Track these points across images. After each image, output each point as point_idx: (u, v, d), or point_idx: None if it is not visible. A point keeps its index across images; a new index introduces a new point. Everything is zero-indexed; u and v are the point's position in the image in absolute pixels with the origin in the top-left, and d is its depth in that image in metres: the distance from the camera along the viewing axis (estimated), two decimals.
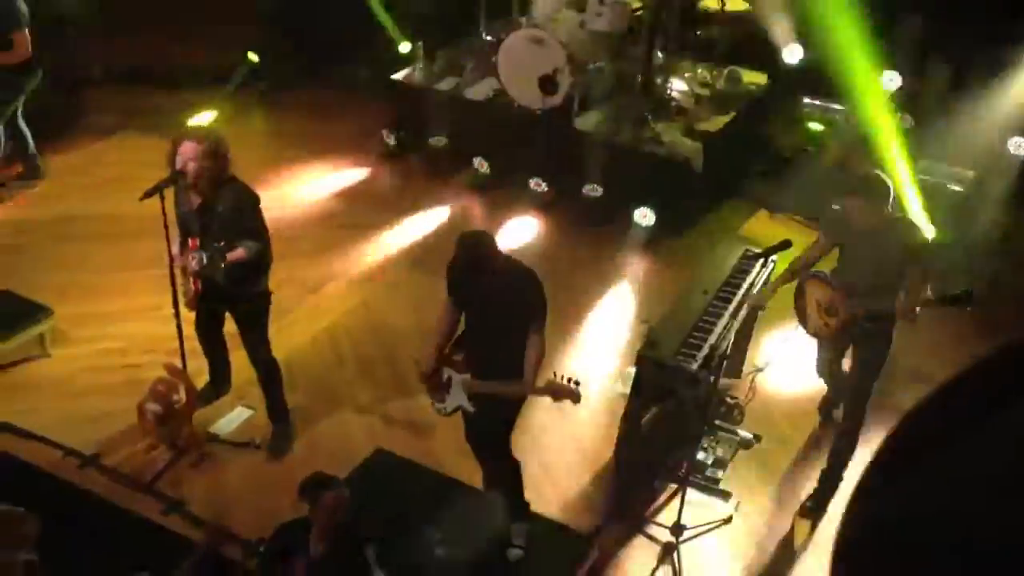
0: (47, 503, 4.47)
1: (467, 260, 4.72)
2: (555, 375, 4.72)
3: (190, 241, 5.32)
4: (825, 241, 5.48)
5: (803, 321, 5.50)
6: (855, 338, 5.39)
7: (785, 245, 5.58)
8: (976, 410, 1.06)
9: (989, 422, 1.05)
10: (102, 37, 9.59)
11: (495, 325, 4.80)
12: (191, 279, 5.48)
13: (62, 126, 8.65)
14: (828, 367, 5.82)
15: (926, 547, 1.05)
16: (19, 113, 7.87)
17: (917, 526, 1.06)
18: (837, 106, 8.69)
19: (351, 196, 8.36)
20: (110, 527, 5.35)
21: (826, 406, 6.14)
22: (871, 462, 1.22)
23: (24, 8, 7.42)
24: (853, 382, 5.46)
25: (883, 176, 5.16)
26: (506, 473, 5.17)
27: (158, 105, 9.21)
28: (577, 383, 4.68)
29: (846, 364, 5.66)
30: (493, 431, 5.04)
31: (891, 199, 5.09)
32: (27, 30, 7.40)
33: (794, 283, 5.52)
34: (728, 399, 6.15)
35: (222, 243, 5.21)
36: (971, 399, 1.09)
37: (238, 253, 5.27)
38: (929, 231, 7.18)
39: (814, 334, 5.51)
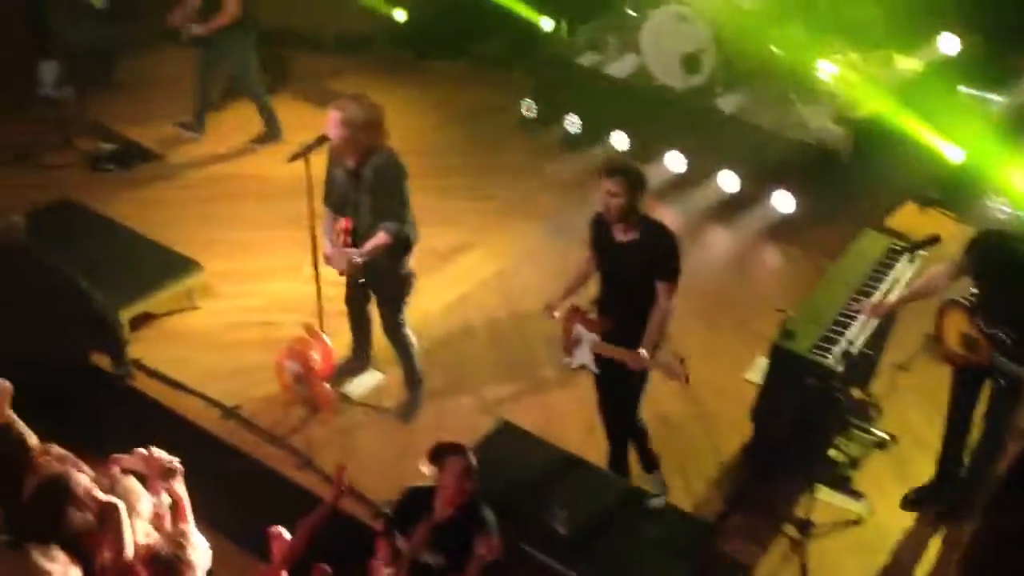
0: (188, 450, 4.64)
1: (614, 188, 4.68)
2: (671, 354, 4.77)
3: (343, 221, 5.43)
4: (958, 269, 5.01)
5: (939, 342, 5.20)
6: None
7: (933, 240, 5.41)
8: None
9: None
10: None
11: (626, 283, 4.87)
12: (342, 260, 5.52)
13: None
14: (961, 411, 5.31)
15: None
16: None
17: None
18: (996, 96, 8.32)
19: (487, 166, 8.41)
20: (244, 477, 5.57)
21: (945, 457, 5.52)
22: (1004, 477, 1.20)
23: None
24: (990, 406, 5.19)
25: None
26: (632, 438, 5.33)
27: (310, 70, 9.41)
28: (682, 360, 4.70)
29: None
30: (619, 398, 5.17)
31: None
32: None
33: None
34: (864, 396, 5.99)
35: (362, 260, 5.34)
36: None
37: (378, 239, 5.35)
38: None
39: (944, 358, 5.20)
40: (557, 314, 5.15)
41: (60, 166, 8.02)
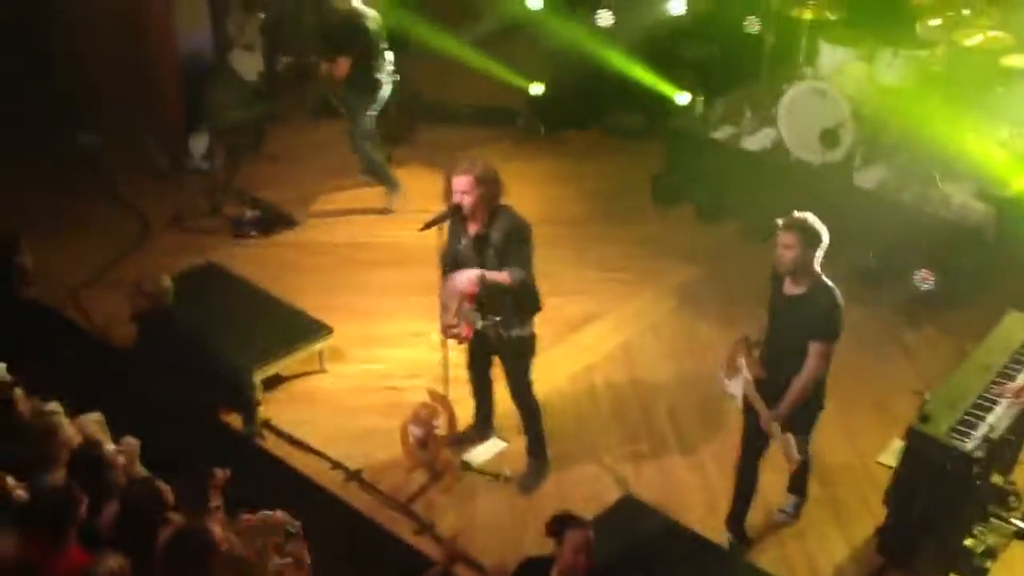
0: (311, 511, 4.74)
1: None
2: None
3: None
4: None
5: None
6: None
7: None
8: None
9: None
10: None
11: (785, 338, 5.02)
12: (463, 324, 5.61)
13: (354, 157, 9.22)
14: None
15: None
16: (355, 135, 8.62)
17: None
18: None
19: (618, 238, 8.41)
20: (366, 540, 5.62)
21: None
22: None
23: (367, 39, 8.15)
24: None
25: None
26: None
27: (446, 141, 9.66)
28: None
29: None
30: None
31: None
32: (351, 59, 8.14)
33: None
34: (1005, 484, 5.69)
35: (499, 318, 5.44)
36: None
37: (501, 275, 5.37)
38: None
39: None
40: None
41: (208, 231, 8.38)
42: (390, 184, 8.69)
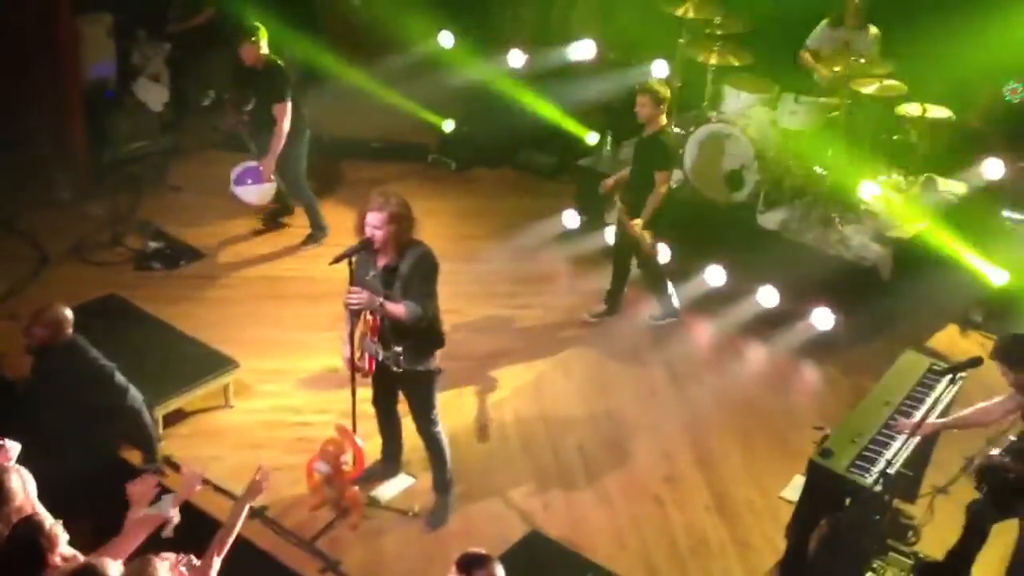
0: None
1: None
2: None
3: (370, 318, 5.47)
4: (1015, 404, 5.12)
5: None
6: None
7: (975, 363, 5.34)
8: None
9: None
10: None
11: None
12: (366, 357, 5.62)
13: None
14: None
15: None
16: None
17: None
18: None
19: (528, 275, 8.47)
20: None
21: None
22: None
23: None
24: None
25: None
26: None
27: (357, 176, 9.65)
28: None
29: None
30: None
31: None
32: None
33: None
34: (903, 519, 5.84)
35: (400, 348, 5.40)
36: None
37: (398, 308, 5.34)
38: None
39: None
40: None
41: (110, 263, 8.19)
42: (319, 231, 8.62)
